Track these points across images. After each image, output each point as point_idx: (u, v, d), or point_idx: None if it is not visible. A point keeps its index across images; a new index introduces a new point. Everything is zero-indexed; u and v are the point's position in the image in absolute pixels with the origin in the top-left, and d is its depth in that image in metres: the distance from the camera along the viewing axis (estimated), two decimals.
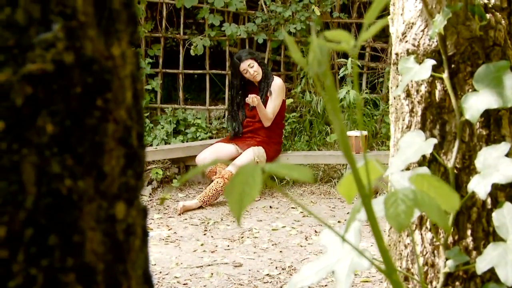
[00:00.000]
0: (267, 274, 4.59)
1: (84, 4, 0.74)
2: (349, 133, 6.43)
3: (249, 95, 6.18)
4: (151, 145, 6.98)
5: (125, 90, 0.77)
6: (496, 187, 1.62)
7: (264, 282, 4.45)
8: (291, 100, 7.23)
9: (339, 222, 5.65)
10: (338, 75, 7.21)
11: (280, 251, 5.00)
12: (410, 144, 1.59)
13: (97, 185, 0.72)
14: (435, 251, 1.68)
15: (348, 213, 5.87)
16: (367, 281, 4.33)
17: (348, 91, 6.55)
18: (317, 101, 7.16)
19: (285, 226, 5.56)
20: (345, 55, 7.30)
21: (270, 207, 6.09)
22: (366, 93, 7.36)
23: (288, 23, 7.25)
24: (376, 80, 7.62)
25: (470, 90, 1.64)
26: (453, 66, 1.67)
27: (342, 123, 0.82)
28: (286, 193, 0.77)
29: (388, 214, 0.93)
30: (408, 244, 1.73)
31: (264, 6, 7.39)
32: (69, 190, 0.70)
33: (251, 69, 6.24)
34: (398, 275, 1.80)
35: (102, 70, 0.74)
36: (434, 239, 1.67)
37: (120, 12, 0.79)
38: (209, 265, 4.77)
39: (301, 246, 5.09)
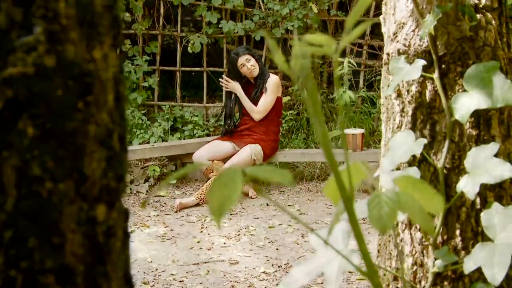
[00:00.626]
0: (263, 272, 4.60)
1: (66, 7, 0.75)
2: (347, 131, 6.43)
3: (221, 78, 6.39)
4: (148, 143, 6.99)
5: (107, 93, 0.77)
6: (485, 187, 1.63)
7: (260, 280, 4.46)
8: (288, 97, 7.23)
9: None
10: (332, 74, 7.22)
11: (277, 249, 5.00)
12: (400, 144, 1.59)
13: (77, 188, 0.72)
14: (424, 251, 1.68)
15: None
16: (363, 279, 4.34)
17: (345, 91, 6.55)
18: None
19: (281, 224, 5.56)
20: (342, 53, 7.30)
21: (267, 204, 6.09)
22: (363, 91, 7.36)
23: (285, 21, 7.26)
24: (373, 78, 7.61)
25: (460, 90, 1.64)
26: (443, 66, 1.67)
27: (324, 126, 0.82)
28: (271, 198, 0.78)
29: (371, 216, 0.94)
30: (398, 244, 1.74)
31: (261, 3, 7.39)
32: (50, 192, 0.70)
33: (248, 63, 6.26)
34: (387, 275, 1.81)
35: (84, 73, 0.74)
36: (423, 239, 1.67)
37: (102, 15, 0.80)
38: (205, 262, 4.78)
39: (298, 244, 5.09)
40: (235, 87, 6.36)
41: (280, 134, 6.74)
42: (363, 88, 7.49)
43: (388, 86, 1.75)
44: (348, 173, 0.85)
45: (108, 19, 0.81)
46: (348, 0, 7.70)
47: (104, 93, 0.76)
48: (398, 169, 1.69)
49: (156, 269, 4.66)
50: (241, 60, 6.29)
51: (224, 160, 6.23)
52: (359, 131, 6.45)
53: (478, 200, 1.64)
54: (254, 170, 0.78)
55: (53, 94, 0.72)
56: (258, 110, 6.32)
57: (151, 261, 4.80)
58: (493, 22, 1.67)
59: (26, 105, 0.70)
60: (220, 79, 6.45)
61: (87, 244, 0.72)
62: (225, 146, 6.39)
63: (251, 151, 6.20)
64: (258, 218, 5.72)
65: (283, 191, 6.49)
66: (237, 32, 7.38)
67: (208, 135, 7.26)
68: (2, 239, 0.68)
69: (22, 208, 0.69)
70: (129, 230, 0.80)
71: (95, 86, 0.75)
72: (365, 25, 0.77)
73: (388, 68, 1.75)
